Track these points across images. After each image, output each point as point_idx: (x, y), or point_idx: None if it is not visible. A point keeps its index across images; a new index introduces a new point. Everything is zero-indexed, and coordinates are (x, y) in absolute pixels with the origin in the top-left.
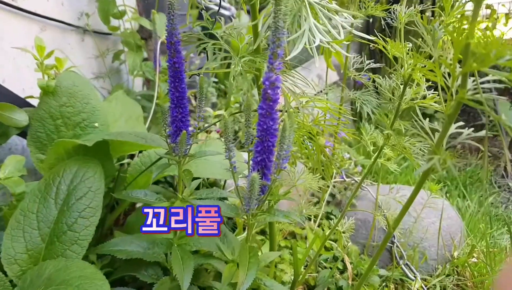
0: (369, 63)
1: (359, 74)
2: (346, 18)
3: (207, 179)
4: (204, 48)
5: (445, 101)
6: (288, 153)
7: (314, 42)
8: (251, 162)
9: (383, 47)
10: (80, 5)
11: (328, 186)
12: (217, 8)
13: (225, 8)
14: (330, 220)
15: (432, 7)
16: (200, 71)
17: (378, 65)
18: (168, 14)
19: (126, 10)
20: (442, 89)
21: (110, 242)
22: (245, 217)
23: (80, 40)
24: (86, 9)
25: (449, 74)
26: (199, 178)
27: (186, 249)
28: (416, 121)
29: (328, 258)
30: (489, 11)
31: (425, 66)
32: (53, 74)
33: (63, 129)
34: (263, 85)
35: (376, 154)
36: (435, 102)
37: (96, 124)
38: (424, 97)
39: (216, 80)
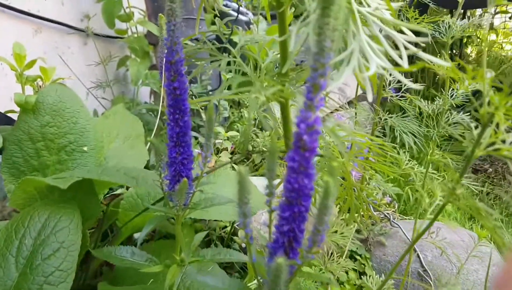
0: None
1: (397, 95)
2: (406, 35)
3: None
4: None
5: None
6: (328, 226)
7: (369, 69)
8: (273, 228)
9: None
10: (83, 5)
11: (355, 221)
12: (233, 13)
13: (242, 13)
14: (355, 261)
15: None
16: (212, 97)
17: (418, 85)
18: (168, 24)
19: (134, 12)
20: None
21: None
22: None
23: (83, 44)
24: (90, 9)
25: None
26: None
27: None
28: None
29: None
30: None
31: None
32: (40, 86)
33: (45, 154)
34: (296, 127)
35: (436, 211)
36: None
37: (85, 148)
38: (504, 141)
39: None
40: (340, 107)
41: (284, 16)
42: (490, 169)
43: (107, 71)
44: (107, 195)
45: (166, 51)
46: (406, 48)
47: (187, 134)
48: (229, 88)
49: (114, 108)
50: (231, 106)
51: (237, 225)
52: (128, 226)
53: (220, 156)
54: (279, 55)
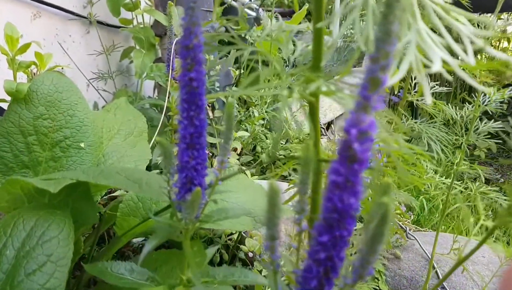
0: (434, 86)
1: (422, 99)
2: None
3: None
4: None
5: None
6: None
7: (432, 65)
8: (302, 252)
9: None
10: None
11: None
12: (242, 6)
13: (252, 9)
14: None
15: None
16: (234, 92)
17: (444, 89)
18: (186, 1)
19: (140, 1)
20: None
21: None
22: None
23: (85, 32)
24: None
25: None
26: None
27: None
28: None
29: None
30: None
31: None
32: (35, 73)
33: (37, 149)
34: (346, 134)
35: (484, 236)
36: None
37: (82, 144)
38: None
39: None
40: None
41: (321, 1)
42: (502, 179)
43: (110, 62)
44: (105, 196)
45: (182, 34)
46: (471, 42)
47: (202, 135)
48: (237, 84)
49: (116, 101)
50: (238, 104)
51: (244, 233)
52: (127, 234)
53: (228, 157)
54: (310, 47)
